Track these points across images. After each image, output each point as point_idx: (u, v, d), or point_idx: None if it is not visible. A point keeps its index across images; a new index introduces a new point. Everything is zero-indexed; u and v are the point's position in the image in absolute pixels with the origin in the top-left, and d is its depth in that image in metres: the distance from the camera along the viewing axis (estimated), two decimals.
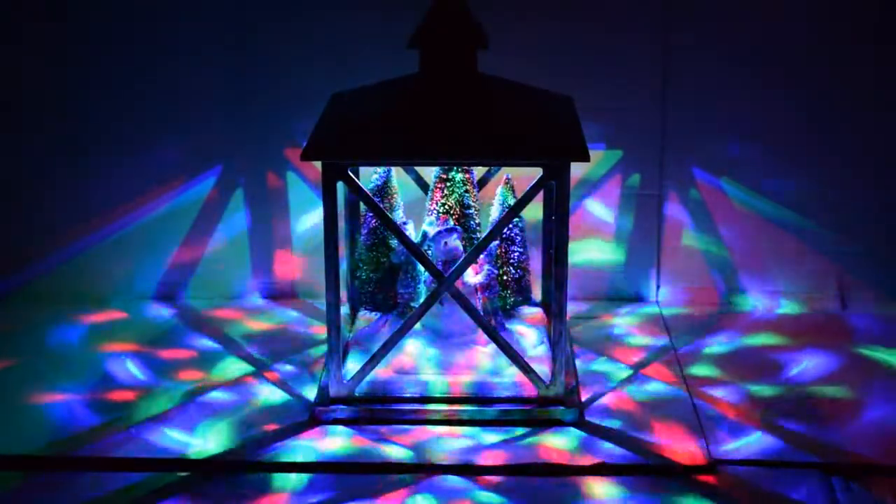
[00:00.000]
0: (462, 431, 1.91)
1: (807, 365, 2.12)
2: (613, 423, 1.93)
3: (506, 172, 2.10)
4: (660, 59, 2.26)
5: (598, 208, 2.34)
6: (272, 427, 1.92)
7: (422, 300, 1.95)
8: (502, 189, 2.08)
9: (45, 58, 2.28)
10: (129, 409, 1.97)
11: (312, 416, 1.95)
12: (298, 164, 2.33)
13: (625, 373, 2.09)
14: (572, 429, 1.91)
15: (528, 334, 2.07)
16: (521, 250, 2.11)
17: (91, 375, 2.08)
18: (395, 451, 1.85)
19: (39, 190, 2.34)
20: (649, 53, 2.25)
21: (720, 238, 2.34)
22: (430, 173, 2.13)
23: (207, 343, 2.21)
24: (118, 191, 2.34)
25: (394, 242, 2.05)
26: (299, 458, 1.84)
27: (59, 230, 2.36)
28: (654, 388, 2.04)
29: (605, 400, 2.01)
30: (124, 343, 2.20)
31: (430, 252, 1.98)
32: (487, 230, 1.94)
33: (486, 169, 2.19)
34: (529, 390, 1.94)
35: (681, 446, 1.86)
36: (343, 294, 2.04)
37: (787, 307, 2.34)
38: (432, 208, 2.08)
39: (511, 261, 2.09)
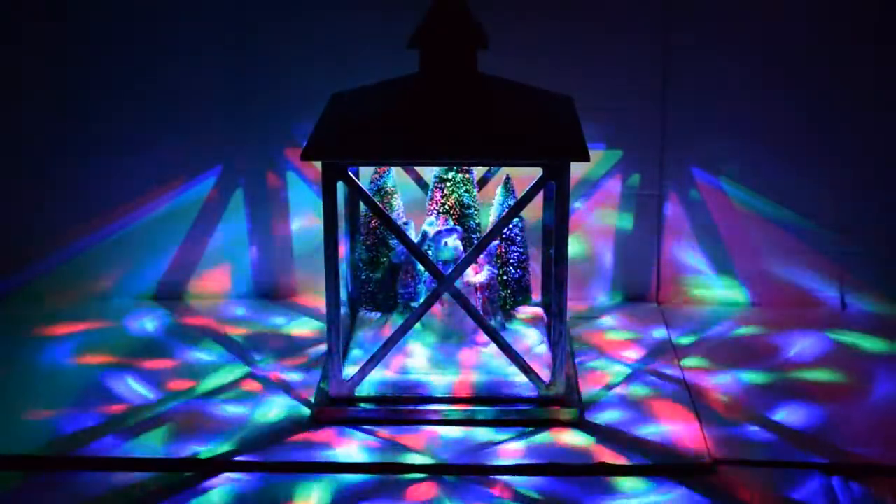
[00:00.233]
0: (462, 431, 1.91)
1: (806, 364, 2.12)
2: (613, 423, 1.93)
3: (506, 172, 2.10)
4: (660, 59, 2.26)
5: (598, 208, 2.34)
6: (272, 428, 1.92)
7: (422, 300, 1.95)
8: (502, 189, 2.08)
9: (45, 58, 2.28)
10: (130, 409, 1.97)
11: (312, 417, 1.95)
12: (298, 164, 2.33)
13: (625, 372, 2.09)
14: (572, 428, 1.91)
15: (528, 334, 2.07)
16: (521, 250, 2.11)
17: (91, 375, 2.08)
18: (394, 452, 1.85)
19: (39, 190, 2.34)
20: (649, 53, 2.25)
21: (720, 238, 2.34)
22: (430, 173, 2.13)
23: (207, 343, 2.21)
24: (118, 191, 2.34)
25: (394, 242, 2.05)
26: (299, 459, 1.84)
27: (59, 230, 2.36)
28: (655, 387, 2.04)
29: (605, 400, 2.01)
30: (124, 343, 2.20)
31: (430, 252, 1.98)
32: (487, 230, 1.94)
33: (486, 169, 2.19)
34: (529, 390, 1.94)
35: (681, 446, 1.86)
36: (343, 294, 2.04)
37: (787, 307, 2.34)
38: (432, 208, 2.08)
39: (511, 261, 2.09)
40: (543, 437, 1.89)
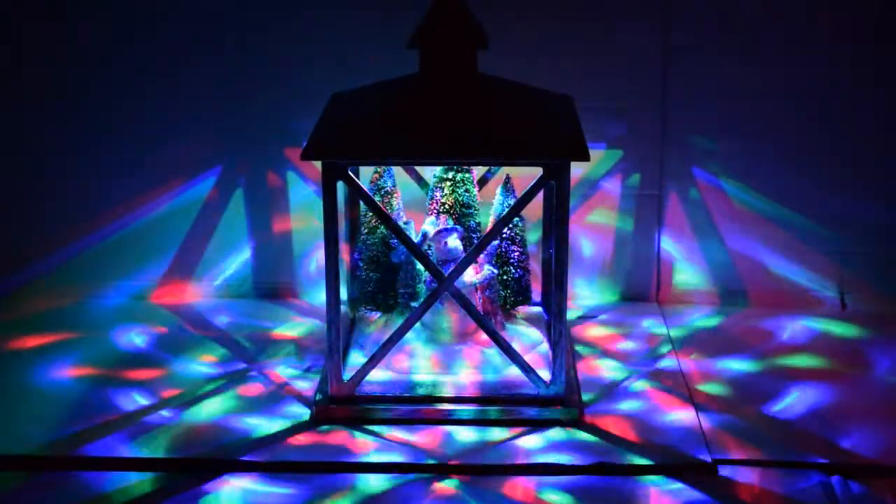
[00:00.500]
0: (462, 431, 1.91)
1: (806, 364, 2.12)
2: (613, 423, 1.93)
3: (506, 172, 2.10)
4: (660, 59, 2.26)
5: (598, 208, 2.34)
6: (272, 427, 1.92)
7: (422, 300, 1.95)
8: (502, 189, 2.08)
9: (45, 58, 2.28)
10: (129, 410, 1.97)
11: (313, 416, 1.95)
12: (298, 164, 2.33)
13: (624, 372, 2.09)
14: (572, 428, 1.91)
15: (528, 334, 2.07)
16: (521, 250, 2.11)
17: (91, 375, 2.08)
18: (394, 451, 1.85)
19: (39, 190, 2.35)
20: (649, 53, 2.25)
21: (720, 238, 2.34)
22: (430, 173, 2.13)
23: (207, 343, 2.21)
24: (118, 191, 2.34)
25: (394, 242, 2.05)
26: (299, 458, 1.84)
27: (59, 230, 2.36)
28: (654, 387, 2.04)
29: (605, 399, 2.01)
30: (124, 343, 2.20)
31: (430, 252, 1.98)
32: (487, 230, 1.94)
33: (486, 169, 2.19)
34: (529, 390, 1.94)
35: (681, 445, 1.86)
36: (343, 294, 2.04)
37: (787, 307, 2.34)
38: (432, 208, 2.08)
39: (511, 261, 2.09)
40: (543, 437, 1.89)
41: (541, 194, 2.05)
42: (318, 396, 1.98)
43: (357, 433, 1.90)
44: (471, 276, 1.98)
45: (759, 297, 2.36)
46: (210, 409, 1.98)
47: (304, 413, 1.96)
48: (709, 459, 1.83)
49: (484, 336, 1.95)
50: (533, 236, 2.20)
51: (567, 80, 2.14)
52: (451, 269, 1.91)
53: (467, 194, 2.08)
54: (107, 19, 2.26)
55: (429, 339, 2.01)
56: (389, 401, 1.94)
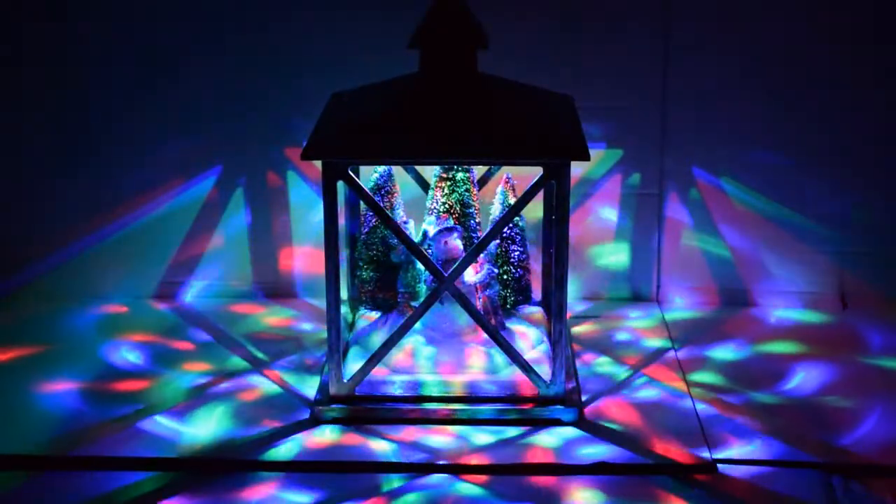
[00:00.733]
0: (462, 431, 1.91)
1: (806, 364, 2.12)
2: (613, 423, 1.93)
3: (506, 172, 2.10)
4: (660, 59, 2.26)
5: (598, 208, 2.34)
6: (272, 426, 1.92)
7: (422, 300, 1.95)
8: (502, 189, 2.08)
9: (45, 58, 2.28)
10: (130, 409, 1.97)
11: (312, 416, 1.95)
12: (298, 164, 2.33)
13: (625, 372, 2.10)
14: (572, 428, 1.91)
15: (528, 334, 2.07)
16: (521, 250, 2.11)
17: (90, 377, 2.08)
18: (394, 451, 1.85)
19: (39, 190, 2.35)
20: (649, 53, 2.25)
21: (720, 238, 2.34)
22: (430, 173, 2.13)
23: (207, 343, 2.21)
24: (118, 191, 2.34)
25: (394, 242, 2.05)
26: (299, 458, 1.84)
27: (59, 230, 2.36)
28: (654, 387, 2.04)
29: (605, 399, 2.01)
30: (123, 343, 2.20)
31: (430, 251, 1.98)
32: (487, 230, 1.94)
33: (486, 169, 2.19)
34: (529, 389, 1.94)
35: (681, 445, 1.86)
36: (343, 294, 2.04)
37: (786, 307, 2.34)
38: (432, 208, 2.08)
39: (511, 260, 2.09)
40: (543, 437, 1.89)
41: (541, 194, 2.06)
42: (318, 396, 1.98)
43: (357, 433, 1.90)
44: (471, 275, 1.98)
45: (759, 297, 2.36)
46: (209, 409, 1.98)
47: (303, 413, 1.96)
48: (709, 459, 1.83)
49: (483, 335, 1.95)
50: (533, 236, 2.20)
51: (567, 80, 2.14)
52: (451, 269, 1.91)
53: (467, 194, 2.08)
54: (107, 19, 2.26)
55: (429, 339, 2.01)
56: (388, 400, 1.94)
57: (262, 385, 2.06)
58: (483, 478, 1.81)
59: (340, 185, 1.86)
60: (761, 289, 2.36)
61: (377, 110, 1.93)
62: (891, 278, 2.33)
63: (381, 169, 2.09)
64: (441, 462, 1.83)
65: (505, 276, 2.10)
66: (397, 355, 1.98)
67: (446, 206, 2.07)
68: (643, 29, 2.25)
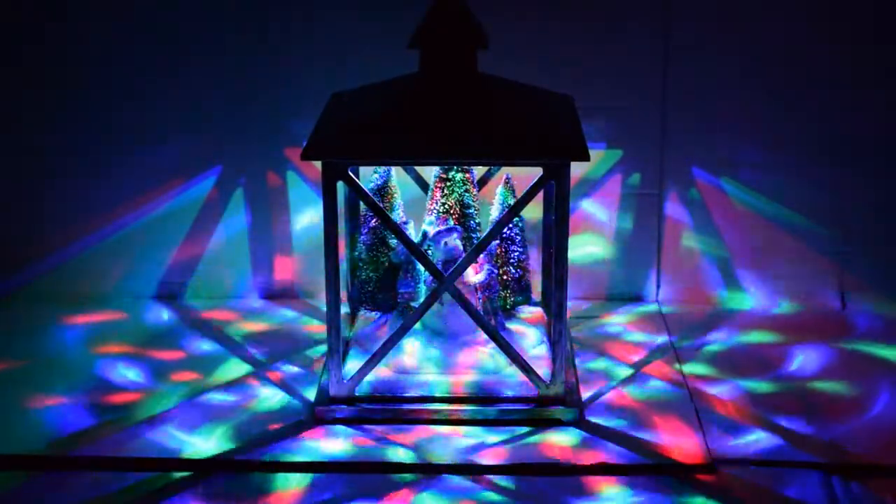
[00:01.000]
0: (462, 431, 1.91)
1: (806, 364, 2.12)
2: (613, 423, 1.93)
3: (506, 172, 2.10)
4: (660, 59, 2.26)
5: (598, 208, 2.34)
6: (272, 427, 1.92)
7: (422, 300, 1.95)
8: (502, 189, 2.08)
9: (44, 58, 2.28)
10: (130, 409, 1.97)
11: (313, 416, 1.95)
12: (298, 164, 2.33)
13: (625, 372, 2.10)
14: (572, 428, 1.91)
15: (528, 334, 2.07)
16: (521, 250, 2.11)
17: (90, 376, 2.08)
18: (395, 451, 1.85)
19: (40, 190, 2.34)
20: (649, 53, 2.25)
21: (720, 238, 2.34)
22: (430, 173, 2.13)
23: (207, 343, 2.21)
24: (118, 191, 2.34)
25: (394, 242, 2.05)
26: (299, 458, 1.84)
27: (59, 230, 2.36)
28: (654, 387, 2.04)
29: (606, 399, 2.01)
30: (124, 343, 2.20)
31: (430, 252, 1.98)
32: (487, 230, 1.94)
33: (486, 169, 2.19)
34: (529, 389, 1.94)
35: (681, 445, 1.87)
36: (343, 294, 2.04)
37: (786, 307, 2.34)
38: (432, 208, 2.08)
39: (511, 260, 2.09)
40: (543, 437, 1.89)
41: (541, 194, 2.05)
42: (318, 396, 1.98)
43: (357, 433, 1.90)
44: (471, 276, 1.98)
45: (758, 297, 2.36)
46: (209, 409, 1.98)
47: (303, 413, 1.96)
48: (709, 459, 1.83)
49: (483, 335, 1.95)
50: (533, 236, 2.20)
51: (567, 80, 2.14)
52: (451, 270, 1.91)
53: (467, 194, 2.08)
54: (107, 19, 2.26)
55: (429, 339, 2.01)
56: (388, 401, 1.94)
57: (262, 385, 2.05)
58: (483, 478, 1.81)
59: (340, 185, 1.86)
60: (761, 289, 2.36)
61: (377, 110, 1.93)
62: (891, 278, 2.33)
63: (381, 170, 2.09)
64: (440, 462, 1.83)
65: (505, 277, 2.10)
66: (397, 355, 1.98)
67: (446, 206, 2.07)
68: (643, 29, 2.25)
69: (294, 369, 2.11)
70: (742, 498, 1.76)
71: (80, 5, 2.26)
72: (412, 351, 1.99)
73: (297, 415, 1.96)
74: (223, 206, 2.35)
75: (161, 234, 2.36)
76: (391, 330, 1.95)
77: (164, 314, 2.32)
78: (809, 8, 2.22)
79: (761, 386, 2.05)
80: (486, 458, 1.84)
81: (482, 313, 1.96)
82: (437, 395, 1.95)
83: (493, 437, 1.90)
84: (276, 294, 2.39)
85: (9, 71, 2.29)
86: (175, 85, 2.28)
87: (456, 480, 1.80)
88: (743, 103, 2.27)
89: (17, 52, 2.28)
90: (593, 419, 1.94)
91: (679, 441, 1.88)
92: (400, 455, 1.85)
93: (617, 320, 2.30)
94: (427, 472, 1.82)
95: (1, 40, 2.28)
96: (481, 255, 1.97)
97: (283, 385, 2.05)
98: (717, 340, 2.22)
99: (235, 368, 2.11)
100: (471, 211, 2.08)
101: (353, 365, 1.97)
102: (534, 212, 2.14)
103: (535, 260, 2.18)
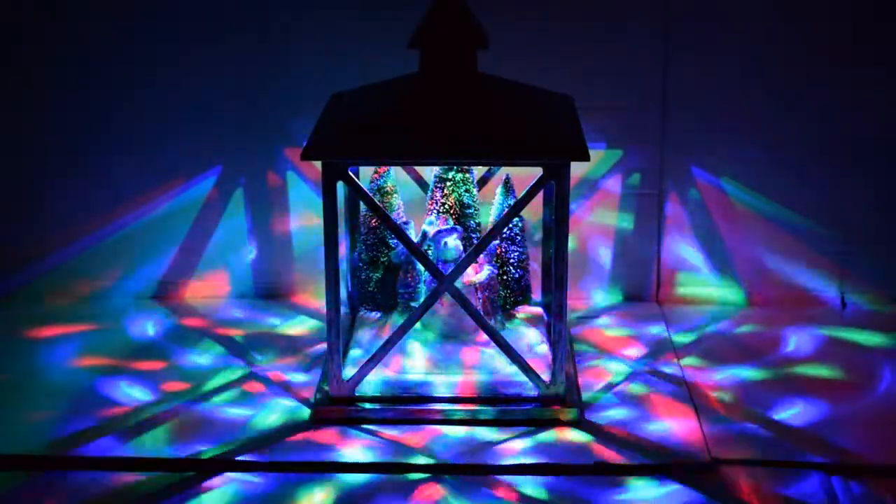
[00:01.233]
0: (462, 431, 1.91)
1: (806, 364, 2.12)
2: (613, 423, 1.93)
3: (506, 172, 2.10)
4: (660, 59, 2.26)
5: (598, 208, 2.34)
6: (272, 427, 1.92)
7: (422, 300, 1.95)
8: (502, 189, 2.08)
9: (44, 58, 2.28)
10: (129, 410, 1.97)
11: (312, 416, 1.95)
12: (298, 164, 2.33)
13: (625, 372, 2.10)
14: (572, 428, 1.91)
15: (528, 334, 2.07)
16: (521, 250, 2.11)
17: (90, 376, 2.08)
18: (395, 451, 1.85)
19: (40, 190, 2.35)
20: (649, 53, 2.25)
21: (720, 238, 2.34)
22: (430, 173, 2.13)
23: (207, 343, 2.21)
24: (118, 191, 2.34)
25: (394, 242, 2.05)
26: (299, 459, 1.84)
27: (60, 230, 2.36)
28: (654, 387, 2.04)
29: (605, 399, 2.01)
30: (124, 344, 2.20)
31: (430, 252, 1.98)
32: (487, 230, 1.94)
33: (485, 169, 2.19)
34: (529, 390, 1.94)
35: (681, 445, 1.86)
36: (343, 294, 2.04)
37: (787, 306, 2.34)
38: (432, 208, 2.08)
39: (511, 261, 2.09)
40: (544, 437, 1.89)
41: (541, 194, 2.05)
42: (318, 396, 1.98)
43: (357, 433, 1.90)
44: (471, 276, 1.98)
45: (758, 297, 2.36)
46: (209, 409, 1.98)
47: (303, 413, 1.96)
48: (709, 459, 1.83)
49: (483, 335, 1.95)
50: (533, 236, 2.20)
51: (567, 80, 2.14)
52: (450, 269, 1.91)
53: (467, 194, 2.08)
54: (107, 19, 2.26)
55: (428, 340, 2.01)
56: (389, 401, 1.94)
57: (262, 385, 2.05)
58: (483, 478, 1.81)
59: (340, 185, 1.86)
60: (760, 288, 2.36)
61: (377, 110, 1.93)
62: (891, 278, 2.33)
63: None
64: (441, 463, 1.83)
65: (505, 277, 2.09)
66: (397, 356, 1.98)
67: (446, 206, 2.07)
68: (643, 29, 2.25)
69: (294, 370, 2.11)
70: (742, 498, 1.76)
71: (80, 5, 2.26)
72: (412, 351, 1.99)
73: (297, 415, 1.96)
74: (223, 206, 2.35)
75: (161, 234, 2.36)
76: (391, 330, 1.95)
77: (164, 314, 2.32)
78: (809, 8, 2.22)
79: (761, 386, 2.05)
80: (486, 459, 1.84)
81: (482, 313, 1.96)
82: (437, 395, 1.95)
83: (493, 437, 1.89)
84: (276, 294, 2.39)
85: (9, 71, 2.29)
86: (175, 85, 2.28)
87: (455, 481, 1.80)
88: (743, 103, 2.27)
89: (17, 52, 2.28)
90: (593, 419, 1.94)
91: (679, 440, 1.88)
92: (399, 456, 1.85)
93: (617, 320, 2.30)
94: (427, 472, 1.82)
95: (1, 40, 2.28)
96: (481, 255, 1.97)
97: (283, 385, 2.05)
98: (717, 340, 2.22)
99: (235, 369, 2.11)
100: (471, 211, 2.08)
101: (353, 365, 1.97)
102: (534, 212, 2.14)
103: (535, 260, 2.18)
